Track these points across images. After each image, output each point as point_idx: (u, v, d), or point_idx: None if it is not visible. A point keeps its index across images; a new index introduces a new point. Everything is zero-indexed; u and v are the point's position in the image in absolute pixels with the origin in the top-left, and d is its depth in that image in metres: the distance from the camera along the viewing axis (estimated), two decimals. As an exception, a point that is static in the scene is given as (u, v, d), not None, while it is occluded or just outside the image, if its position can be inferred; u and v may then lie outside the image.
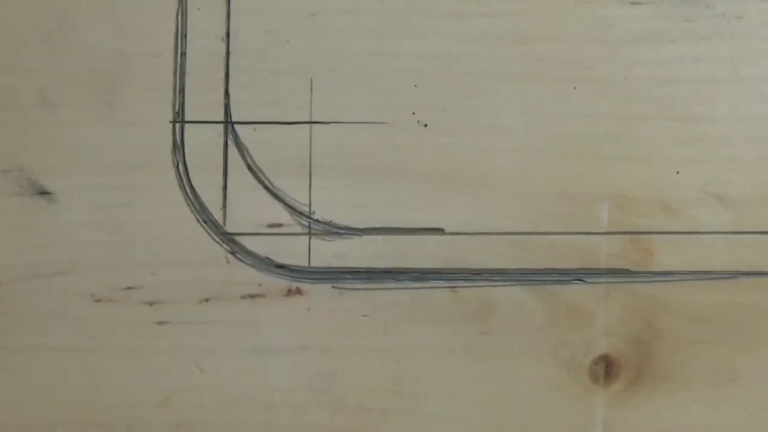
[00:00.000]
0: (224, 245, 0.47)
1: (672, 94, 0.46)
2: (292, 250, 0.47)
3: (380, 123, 0.47)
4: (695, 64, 0.46)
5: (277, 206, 0.47)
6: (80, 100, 0.47)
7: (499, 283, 0.47)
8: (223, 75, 0.47)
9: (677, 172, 0.46)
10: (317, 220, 0.47)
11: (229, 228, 0.47)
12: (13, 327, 0.47)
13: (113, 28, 0.47)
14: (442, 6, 0.47)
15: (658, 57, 0.46)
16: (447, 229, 0.47)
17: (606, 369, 0.46)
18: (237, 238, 0.47)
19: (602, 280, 0.46)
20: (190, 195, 0.47)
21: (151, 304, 0.47)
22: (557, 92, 0.47)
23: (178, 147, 0.47)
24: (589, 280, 0.46)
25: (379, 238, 0.47)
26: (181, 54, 0.47)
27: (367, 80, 0.47)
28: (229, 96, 0.47)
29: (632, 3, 0.46)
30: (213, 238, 0.47)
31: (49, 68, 0.47)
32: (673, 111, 0.46)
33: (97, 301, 0.47)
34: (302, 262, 0.47)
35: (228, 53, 0.47)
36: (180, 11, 0.47)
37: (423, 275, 0.47)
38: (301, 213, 0.47)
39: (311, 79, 0.47)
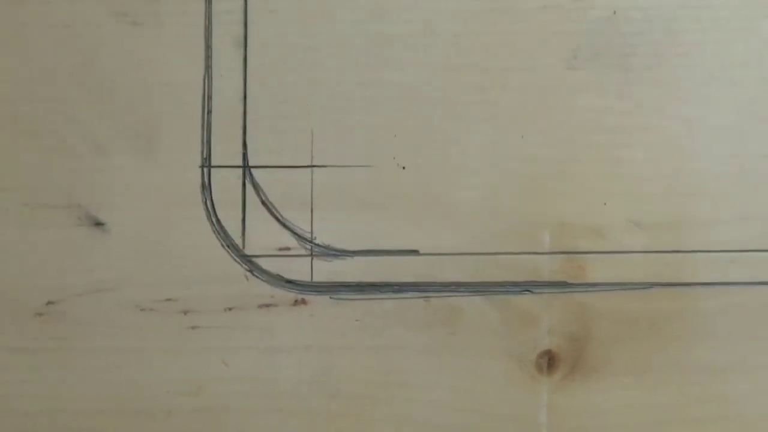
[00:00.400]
0: (243, 265, 0.48)
1: (601, 140, 0.48)
2: (298, 269, 0.48)
3: (367, 166, 0.48)
4: (619, 117, 0.48)
5: (286, 234, 0.48)
6: (127, 149, 0.48)
7: (464, 294, 0.48)
8: (241, 129, 0.48)
9: (605, 204, 0.48)
10: (318, 245, 0.48)
11: (248, 251, 0.48)
12: (74, 332, 0.48)
13: (155, 92, 0.48)
14: (414, 73, 0.48)
15: (591, 110, 0.48)
16: (421, 251, 0.48)
17: (549, 362, 0.48)
18: (254, 259, 0.48)
19: (545, 290, 0.48)
20: (216, 225, 0.48)
21: (185, 312, 0.48)
22: (510, 138, 0.48)
23: (206, 187, 0.48)
24: (535, 290, 0.48)
25: (368, 258, 0.48)
26: (208, 112, 0.48)
27: (356, 132, 0.48)
28: (246, 146, 0.48)
29: (568, 68, 0.48)
30: (234, 260, 0.48)
31: (102, 124, 0.48)
32: (601, 154, 0.48)
33: (142, 310, 0.48)
34: (306, 278, 0.48)
35: (245, 112, 0.48)
36: (206, 77, 0.48)
37: (402, 288, 0.48)
38: (304, 239, 0.48)
39: (312, 131, 0.48)
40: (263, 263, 0.49)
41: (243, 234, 0.48)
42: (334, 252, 0.49)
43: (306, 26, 0.48)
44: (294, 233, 0.48)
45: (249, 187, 0.48)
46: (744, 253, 0.47)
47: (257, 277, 0.48)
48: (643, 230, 0.48)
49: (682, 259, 0.48)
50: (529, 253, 0.48)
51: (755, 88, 0.48)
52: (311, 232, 0.49)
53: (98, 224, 0.48)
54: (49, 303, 0.48)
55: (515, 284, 0.48)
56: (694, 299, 0.48)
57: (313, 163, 0.48)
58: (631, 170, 0.48)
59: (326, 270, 0.49)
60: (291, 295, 0.49)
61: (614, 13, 0.47)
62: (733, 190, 0.48)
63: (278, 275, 0.49)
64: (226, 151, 0.48)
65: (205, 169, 0.48)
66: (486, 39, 0.48)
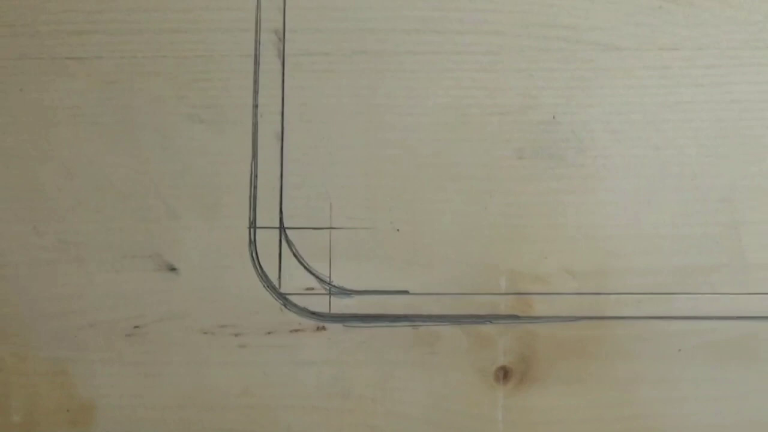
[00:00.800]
0: (279, 300, 0.53)
1: (542, 211, 0.53)
2: (319, 303, 0.53)
3: (371, 228, 0.53)
4: (555, 194, 0.53)
5: (311, 277, 0.53)
6: (194, 214, 0.54)
7: (442, 324, 0.53)
8: (278, 200, 0.54)
9: (545, 258, 0.53)
10: (334, 286, 0.53)
11: (283, 290, 0.54)
12: (154, 349, 0.54)
13: (215, 171, 0.54)
14: (406, 163, 0.53)
15: (535, 190, 0.53)
16: (410, 291, 0.53)
17: (504, 374, 0.53)
18: (287, 296, 0.53)
19: (502, 322, 0.53)
20: (259, 271, 0.53)
21: (236, 335, 0.53)
22: (476, 210, 0.53)
23: (252, 242, 0.53)
24: (494, 321, 0.53)
25: (371, 296, 0.53)
26: (254, 187, 0.54)
27: (363, 204, 0.54)
28: (282, 212, 0.54)
29: (519, 158, 0.53)
30: (273, 296, 0.53)
31: (176, 195, 0.54)
32: (543, 222, 0.53)
33: (204, 333, 0.54)
34: (325, 310, 0.53)
35: (281, 187, 0.54)
36: (253, 162, 0.54)
37: (396, 318, 0.53)
38: (324, 281, 0.53)
39: (330, 203, 0.54)
40: (294, 299, 0.54)
41: (279, 277, 0.54)
42: (346, 291, 0.53)
43: (326, 125, 0.54)
44: (317, 277, 0.54)
45: (284, 242, 0.54)
46: (648, 295, 0.53)
47: (289, 309, 0.54)
48: (574, 277, 0.53)
49: (604, 299, 0.53)
50: (490, 293, 0.53)
51: (652, 173, 0.53)
52: (329, 277, 0.54)
53: (172, 269, 0.54)
54: (135, 327, 0.54)
55: (480, 317, 0.53)
56: (612, 329, 0.53)
57: (331, 226, 0.54)
58: (565, 233, 0.54)
59: (340, 304, 0.54)
60: (314, 322, 0.53)
61: (553, 117, 0.54)
62: (640, 248, 0.53)
63: (305, 308, 0.54)
64: (267, 216, 0.54)
65: (252, 229, 0.54)
66: (457, 138, 0.54)
